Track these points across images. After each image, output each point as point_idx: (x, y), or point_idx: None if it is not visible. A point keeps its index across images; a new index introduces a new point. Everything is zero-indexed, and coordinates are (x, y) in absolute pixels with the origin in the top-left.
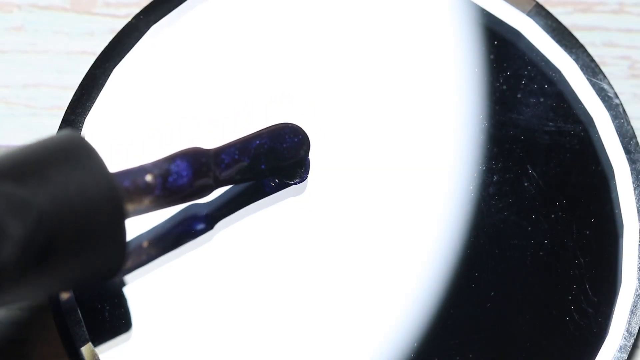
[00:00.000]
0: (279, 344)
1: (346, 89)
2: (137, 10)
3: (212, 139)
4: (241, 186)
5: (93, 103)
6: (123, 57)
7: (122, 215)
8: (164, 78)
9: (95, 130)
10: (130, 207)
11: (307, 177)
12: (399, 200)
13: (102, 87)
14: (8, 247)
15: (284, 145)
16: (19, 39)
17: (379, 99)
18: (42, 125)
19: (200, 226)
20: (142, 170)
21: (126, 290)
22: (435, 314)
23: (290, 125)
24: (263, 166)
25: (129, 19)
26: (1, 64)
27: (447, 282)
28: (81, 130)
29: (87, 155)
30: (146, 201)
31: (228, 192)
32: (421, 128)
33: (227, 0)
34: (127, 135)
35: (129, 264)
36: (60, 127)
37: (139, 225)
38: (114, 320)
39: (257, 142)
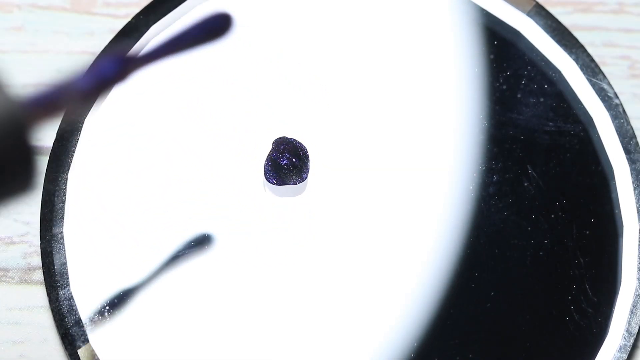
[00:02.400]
0: (277, 341)
1: (346, 89)
2: (137, 10)
3: (212, 139)
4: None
5: (93, 103)
6: None
7: (26, 136)
8: (163, 78)
9: (94, 130)
10: (49, 117)
11: (307, 177)
12: (399, 200)
13: None
14: None
15: (211, 32)
16: (19, 39)
17: (379, 99)
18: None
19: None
20: (57, 90)
21: (126, 290)
22: (435, 314)
23: (219, 13)
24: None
25: (128, 19)
26: (1, 64)
27: (447, 282)
28: (81, 130)
29: None
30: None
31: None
32: (421, 128)
33: (227, 0)
34: (127, 135)
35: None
36: (60, 127)
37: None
38: (114, 320)
39: (187, 34)
